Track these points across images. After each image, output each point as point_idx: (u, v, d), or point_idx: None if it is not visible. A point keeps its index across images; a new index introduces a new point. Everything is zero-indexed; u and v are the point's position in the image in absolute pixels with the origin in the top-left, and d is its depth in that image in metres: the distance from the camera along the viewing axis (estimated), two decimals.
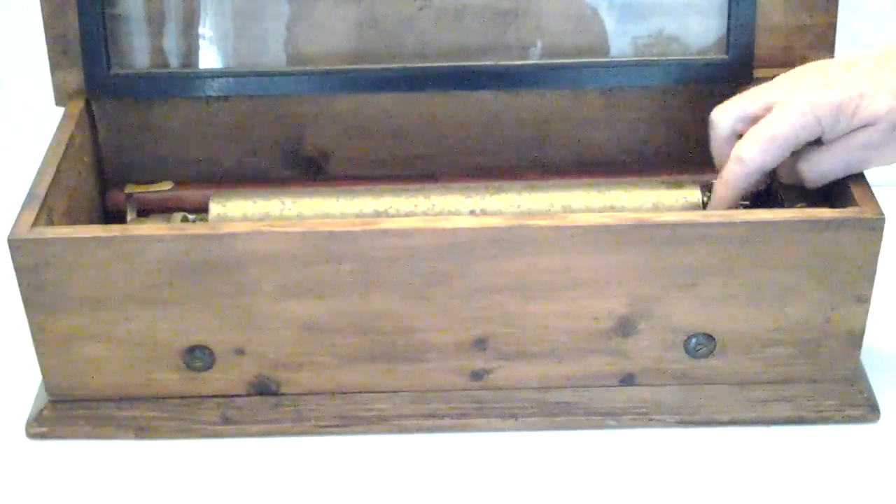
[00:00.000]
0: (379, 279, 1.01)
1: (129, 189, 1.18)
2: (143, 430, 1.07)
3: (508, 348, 1.05)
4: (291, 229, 0.99)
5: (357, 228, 0.99)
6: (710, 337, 1.04)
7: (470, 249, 1.00)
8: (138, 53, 1.17)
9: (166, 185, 1.19)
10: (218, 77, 1.17)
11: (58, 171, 1.07)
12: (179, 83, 1.17)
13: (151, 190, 1.18)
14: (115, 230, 1.00)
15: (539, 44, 1.17)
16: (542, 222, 0.99)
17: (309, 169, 1.22)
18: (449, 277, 1.01)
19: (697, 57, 1.17)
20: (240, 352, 1.04)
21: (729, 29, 1.15)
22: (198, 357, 1.04)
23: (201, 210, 1.17)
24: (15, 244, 0.99)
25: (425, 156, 1.21)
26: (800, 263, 1.00)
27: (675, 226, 0.99)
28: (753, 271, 1.01)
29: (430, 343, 1.04)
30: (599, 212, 1.12)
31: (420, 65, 1.16)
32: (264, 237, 0.99)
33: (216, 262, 1.00)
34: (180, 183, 1.20)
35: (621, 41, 1.17)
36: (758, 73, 1.17)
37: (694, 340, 1.04)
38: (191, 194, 1.20)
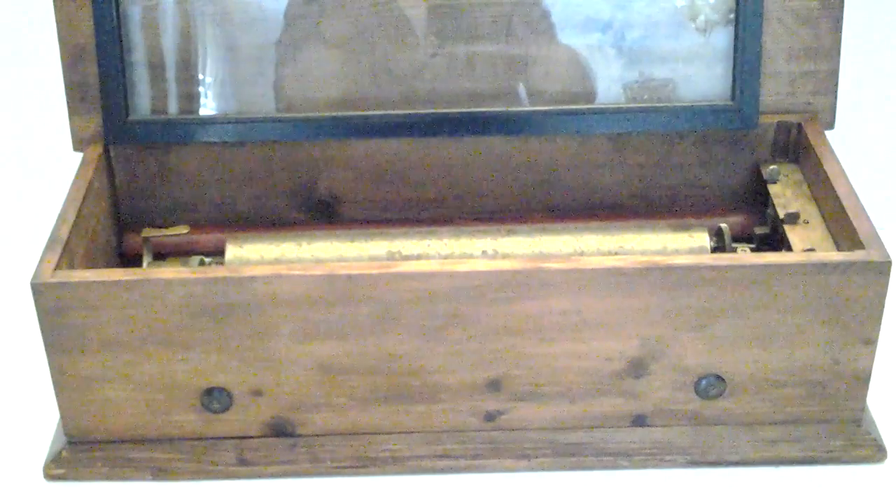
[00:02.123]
0: (395, 321, 1.03)
1: (146, 233, 1.20)
2: (160, 472, 1.08)
3: (522, 389, 1.06)
4: (311, 272, 1.01)
5: (375, 271, 1.01)
6: (720, 378, 1.06)
7: (485, 292, 1.01)
8: (155, 100, 1.19)
9: (183, 229, 1.20)
10: (233, 123, 1.19)
11: (78, 215, 1.09)
12: (196, 129, 1.19)
13: (168, 234, 1.20)
14: (136, 273, 1.01)
15: (549, 90, 1.20)
16: (556, 265, 1.01)
17: (322, 212, 1.24)
18: (464, 319, 1.03)
19: (704, 103, 1.19)
20: (257, 393, 1.06)
21: (735, 75, 1.18)
22: (216, 399, 1.06)
23: (217, 253, 1.19)
24: (38, 288, 1.00)
25: (437, 200, 1.23)
26: (808, 306, 1.02)
27: (685, 269, 1.01)
28: (762, 313, 1.03)
29: (444, 384, 1.06)
30: (609, 255, 1.14)
31: (432, 111, 1.19)
32: (284, 280, 1.01)
33: (235, 305, 1.01)
34: (196, 227, 1.22)
35: (628, 87, 1.20)
36: (763, 119, 1.20)
37: (704, 382, 1.06)
38: (206, 238, 1.22)
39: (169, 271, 1.01)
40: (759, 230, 1.19)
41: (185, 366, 1.04)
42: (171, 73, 1.19)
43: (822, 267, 1.01)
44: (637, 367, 1.05)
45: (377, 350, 1.04)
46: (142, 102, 1.19)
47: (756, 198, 1.22)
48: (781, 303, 1.02)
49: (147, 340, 1.03)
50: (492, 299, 1.02)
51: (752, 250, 1.18)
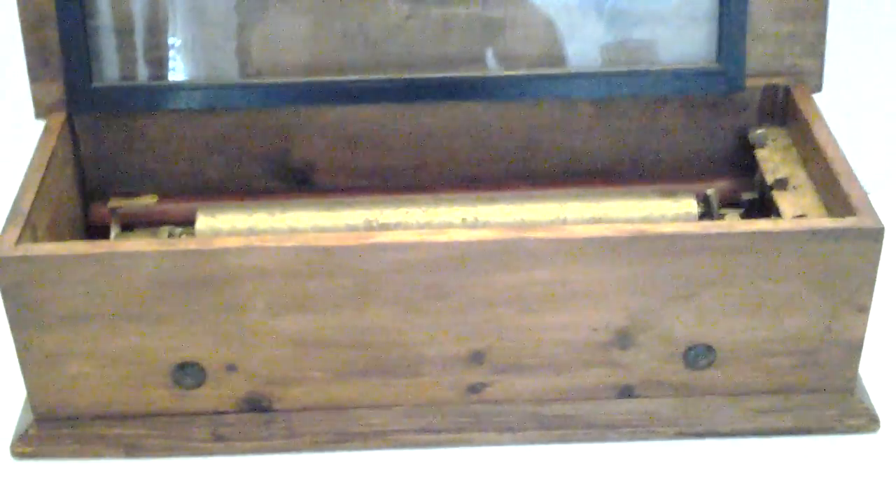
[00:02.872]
0: (374, 293, 0.99)
1: (113, 203, 1.16)
2: (132, 449, 1.04)
3: (505, 362, 1.03)
4: (284, 244, 0.97)
5: (352, 243, 0.97)
6: (709, 348, 1.03)
7: (466, 262, 0.98)
8: (120, 65, 1.15)
9: (151, 199, 1.16)
10: (202, 89, 1.14)
11: (41, 185, 1.05)
12: (163, 95, 1.14)
13: (136, 203, 1.16)
14: (101, 246, 0.97)
15: (526, 53, 1.16)
16: (540, 235, 0.98)
17: (295, 180, 1.20)
18: (445, 291, 0.99)
19: (689, 66, 1.16)
20: (231, 368, 1.02)
21: (721, 37, 1.14)
22: (188, 374, 1.02)
23: (187, 223, 1.15)
24: (0, 262, 0.96)
25: (414, 167, 1.19)
26: (799, 274, 0.99)
27: (672, 237, 0.98)
28: (752, 282, 1.00)
29: (425, 357, 1.02)
30: (594, 223, 1.11)
31: (407, 76, 1.15)
32: (256, 252, 0.97)
33: (207, 278, 0.98)
34: (165, 196, 1.18)
35: (611, 49, 1.16)
36: (749, 81, 1.17)
37: (693, 352, 1.03)
38: (176, 207, 1.17)
39: (136, 244, 0.97)
40: (746, 196, 1.16)
41: (155, 341, 1.00)
42: (136, 38, 1.14)
43: (814, 234, 0.98)
44: (624, 338, 1.02)
45: (355, 323, 1.00)
46: (106, 68, 1.15)
47: (743, 162, 1.19)
48: (772, 271, 0.99)
49: (115, 315, 0.99)
50: (473, 270, 0.98)
51: (741, 216, 1.15)
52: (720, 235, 0.98)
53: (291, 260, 0.97)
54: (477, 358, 1.03)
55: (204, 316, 0.99)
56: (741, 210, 1.16)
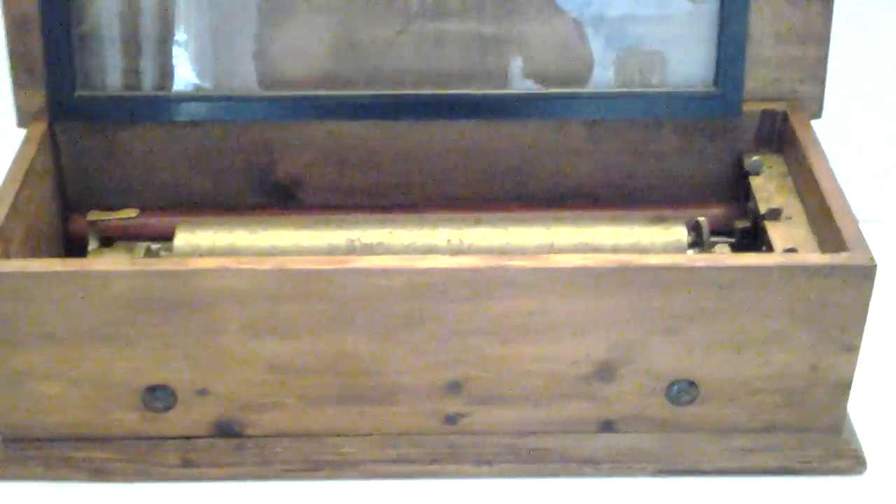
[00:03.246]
0: (350, 319, 0.96)
1: (92, 216, 1.13)
2: (98, 473, 1.02)
3: (484, 392, 1.00)
4: (260, 266, 0.95)
5: (329, 266, 0.95)
6: (692, 384, 1.00)
7: (446, 290, 0.95)
8: (105, 75, 1.12)
9: (131, 213, 1.14)
10: (187, 101, 1.12)
11: (16, 199, 1.03)
12: (147, 107, 1.12)
13: (115, 217, 1.13)
14: (74, 264, 0.95)
15: (521, 71, 1.13)
16: (521, 263, 0.95)
17: (280, 197, 1.17)
18: (423, 318, 0.97)
19: (685, 89, 1.13)
20: (203, 392, 1.00)
21: (719, 60, 1.12)
22: (158, 397, 1.00)
23: (167, 238, 1.12)
24: None
25: (402, 185, 1.17)
26: (787, 310, 0.96)
27: (658, 269, 0.95)
28: (738, 317, 0.97)
29: (401, 385, 1.00)
30: (581, 251, 1.08)
31: (397, 92, 1.12)
32: (231, 274, 0.94)
33: (180, 300, 0.95)
34: (146, 209, 1.16)
35: (607, 70, 1.13)
36: (746, 106, 1.14)
37: (676, 387, 1.00)
38: (156, 222, 1.15)
39: (108, 263, 0.95)
40: (739, 224, 1.13)
41: (125, 363, 0.98)
42: (120, 47, 1.12)
43: (804, 270, 0.95)
44: (605, 371, 0.99)
45: (331, 349, 0.98)
46: (89, 77, 1.13)
47: (737, 189, 1.16)
48: (759, 306, 0.96)
49: (85, 335, 0.97)
50: (453, 298, 0.96)
51: (732, 245, 1.12)
52: (706, 269, 0.95)
53: (267, 283, 0.95)
54: (454, 388, 1.00)
55: (176, 338, 0.97)
56: (732, 240, 1.13)
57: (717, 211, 1.16)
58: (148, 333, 0.97)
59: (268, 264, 0.95)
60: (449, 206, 1.16)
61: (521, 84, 1.13)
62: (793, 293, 0.95)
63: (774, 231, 1.06)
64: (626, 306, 0.96)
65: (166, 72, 1.13)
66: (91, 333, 0.96)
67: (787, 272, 0.95)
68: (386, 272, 0.95)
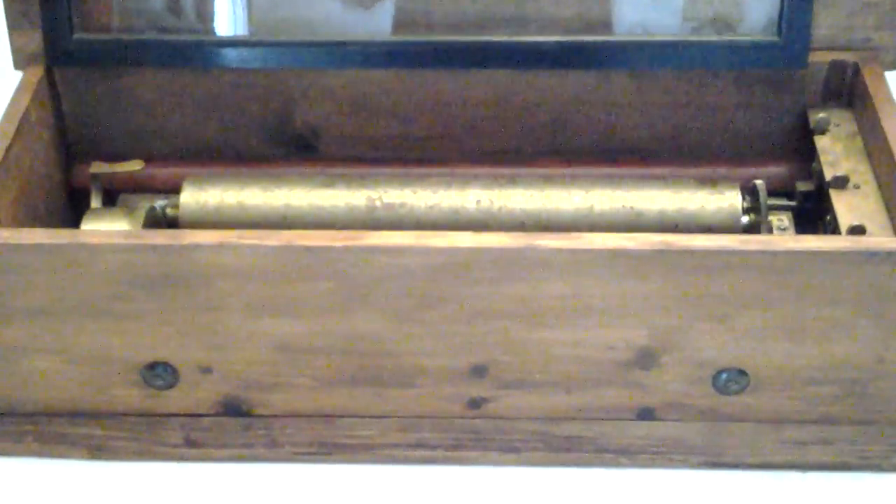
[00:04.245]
0: (363, 299, 0.88)
1: (95, 168, 1.05)
2: (97, 450, 0.95)
3: (510, 377, 0.92)
4: (264, 242, 0.86)
5: (338, 244, 0.86)
6: (742, 373, 0.91)
7: (468, 270, 0.86)
8: (106, 15, 1.03)
9: (136, 165, 1.05)
10: (196, 45, 1.02)
11: (6, 154, 0.95)
12: (152, 50, 1.03)
13: (119, 170, 1.05)
14: (62, 236, 0.87)
15: (563, 17, 1.02)
16: (552, 243, 0.85)
17: (297, 148, 1.08)
18: (443, 300, 0.88)
19: (744, 37, 1.01)
20: (206, 370, 0.92)
21: (783, 6, 1.00)
22: (159, 375, 0.92)
23: (175, 191, 1.04)
24: None
25: (429, 138, 1.07)
26: (850, 298, 0.86)
27: (706, 253, 0.85)
28: (796, 304, 0.87)
29: (421, 368, 0.92)
30: (623, 215, 0.99)
31: (425, 38, 1.02)
32: (232, 250, 0.86)
33: (178, 275, 0.87)
34: (153, 159, 1.07)
35: (656, 15, 1.02)
36: (813, 56, 1.02)
37: (724, 376, 0.91)
38: (164, 173, 1.07)
39: (100, 235, 0.87)
40: (801, 186, 1.02)
41: (122, 339, 0.90)
42: None
43: (871, 256, 0.85)
44: (645, 358, 0.90)
45: (342, 329, 0.89)
46: (91, 18, 1.03)
47: (801, 147, 1.05)
48: (820, 294, 0.86)
49: (78, 310, 0.89)
50: (475, 279, 0.87)
51: (791, 211, 1.02)
52: (761, 253, 0.85)
53: (271, 260, 0.86)
54: (478, 371, 0.92)
55: (175, 315, 0.89)
56: (793, 203, 1.02)
57: (777, 170, 1.05)
58: (144, 309, 0.89)
59: (272, 239, 0.86)
60: (480, 162, 1.06)
61: (559, 30, 1.02)
62: (858, 280, 0.85)
63: (840, 202, 0.95)
64: (670, 291, 0.87)
65: (171, 13, 1.03)
66: (84, 308, 0.89)
67: (853, 258, 0.85)
68: (401, 250, 0.86)
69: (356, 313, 0.89)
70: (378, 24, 1.03)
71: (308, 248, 0.86)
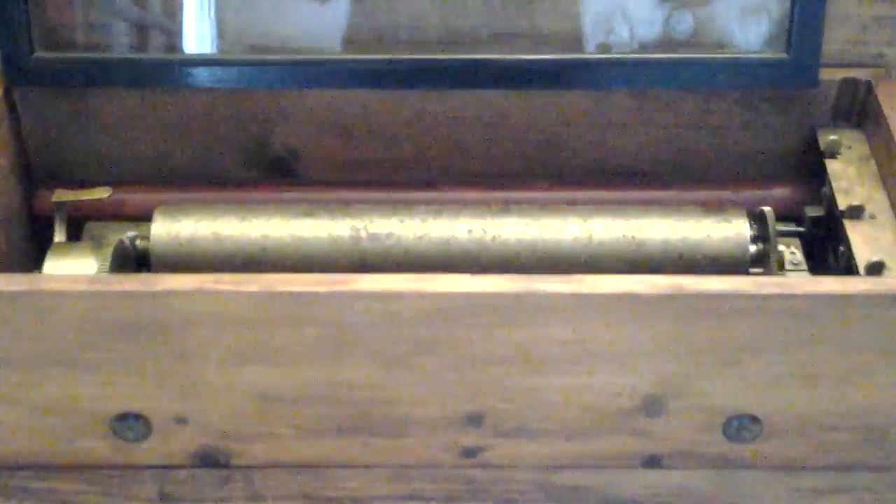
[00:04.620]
0: (350, 346, 0.82)
1: (58, 196, 0.98)
2: None
3: (508, 424, 0.86)
4: (243, 288, 0.80)
5: (323, 289, 0.80)
6: (755, 419, 0.85)
7: (464, 316, 0.80)
8: (68, 32, 0.96)
9: (103, 193, 0.98)
10: (166, 65, 0.96)
11: None
12: (119, 69, 0.96)
13: (85, 198, 0.98)
14: (23, 282, 0.80)
15: (558, 33, 0.96)
16: (554, 287, 0.79)
17: (276, 171, 1.01)
18: (436, 346, 0.82)
19: (751, 55, 0.95)
20: (181, 421, 0.86)
21: (792, 21, 0.94)
22: (129, 427, 0.86)
23: (146, 218, 0.97)
24: None
25: (415, 160, 1.01)
26: (871, 341, 0.81)
27: (719, 297, 0.79)
28: (813, 349, 0.82)
29: (412, 417, 0.86)
30: (624, 245, 0.93)
31: (412, 56, 0.95)
32: (209, 297, 0.80)
33: (150, 323, 0.81)
34: (122, 184, 1.00)
35: (657, 32, 0.96)
36: (824, 73, 0.96)
37: (736, 423, 0.86)
38: (135, 199, 1.00)
39: (63, 280, 0.80)
40: (811, 212, 0.97)
41: (89, 389, 0.84)
42: (90, 2, 0.96)
43: (894, 300, 0.79)
44: (652, 405, 0.85)
45: (328, 377, 0.83)
46: (52, 35, 0.96)
47: (808, 169, 1.00)
48: (839, 337, 0.81)
49: (41, 358, 0.82)
50: (471, 325, 0.81)
51: (801, 237, 0.96)
52: (778, 297, 0.79)
53: (251, 307, 0.80)
54: (474, 419, 0.86)
55: (147, 364, 0.83)
56: (802, 229, 0.97)
57: (783, 192, 1.00)
58: (113, 358, 0.82)
59: (252, 285, 0.80)
60: (469, 185, 1.00)
61: (555, 47, 0.96)
62: (879, 325, 0.80)
63: (855, 233, 0.90)
64: (680, 336, 0.81)
65: (141, 30, 0.96)
66: (47, 357, 0.82)
67: (875, 302, 0.79)
68: (392, 296, 0.79)
69: (343, 361, 0.83)
70: (362, 39, 0.96)
71: (291, 295, 0.80)
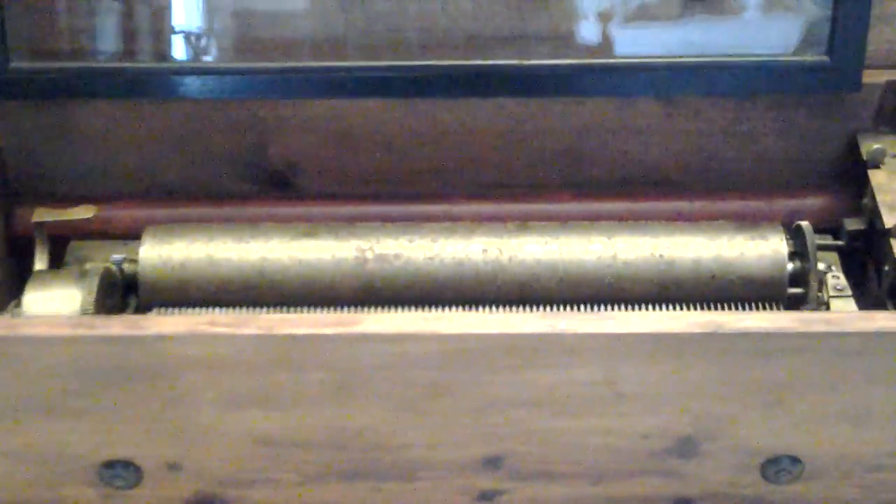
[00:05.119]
0: (358, 389, 0.75)
1: (39, 216, 0.91)
2: None
3: (530, 467, 0.79)
4: (240, 331, 0.72)
5: (329, 331, 0.73)
6: (796, 460, 0.79)
7: (483, 358, 0.74)
8: (48, 41, 0.89)
9: (87, 212, 0.91)
10: (156, 74, 0.88)
11: None
12: (103, 80, 0.89)
13: (67, 219, 0.91)
14: None
15: (579, 36, 0.89)
16: (581, 326, 0.72)
17: (273, 185, 0.94)
18: (452, 390, 0.75)
19: (789, 58, 0.88)
20: (175, 467, 0.79)
21: (834, 22, 0.86)
22: (119, 475, 0.79)
23: (133, 236, 0.91)
24: None
25: (425, 172, 0.94)
26: None
27: (762, 336, 0.72)
28: (863, 388, 0.75)
29: (425, 460, 0.79)
30: (652, 264, 0.86)
31: (420, 62, 0.88)
32: (202, 340, 0.73)
33: (139, 369, 0.74)
34: (109, 200, 0.93)
35: (685, 35, 0.89)
36: (866, 76, 0.89)
37: (776, 464, 0.79)
38: (120, 216, 0.93)
39: (43, 323, 0.73)
40: (850, 225, 0.90)
41: (75, 437, 0.77)
42: (68, 9, 0.88)
43: None
44: (685, 447, 0.78)
45: (334, 422, 0.77)
46: (32, 43, 0.89)
47: (849, 177, 0.92)
48: (888, 376, 0.74)
49: (21, 406, 0.75)
50: (491, 368, 0.74)
51: (839, 250, 0.89)
52: (827, 335, 0.73)
53: (249, 351, 0.73)
54: (492, 463, 0.79)
55: (136, 410, 0.76)
56: (840, 243, 0.90)
57: (819, 202, 0.93)
58: (100, 405, 0.75)
59: (250, 327, 0.73)
60: (483, 197, 0.93)
61: (575, 51, 0.88)
62: None
63: None
64: (717, 376, 0.74)
65: (126, 38, 0.89)
66: (28, 403, 0.75)
67: None
68: (403, 338, 0.73)
69: (350, 404, 0.76)
70: (367, 44, 0.89)
71: (293, 338, 0.73)
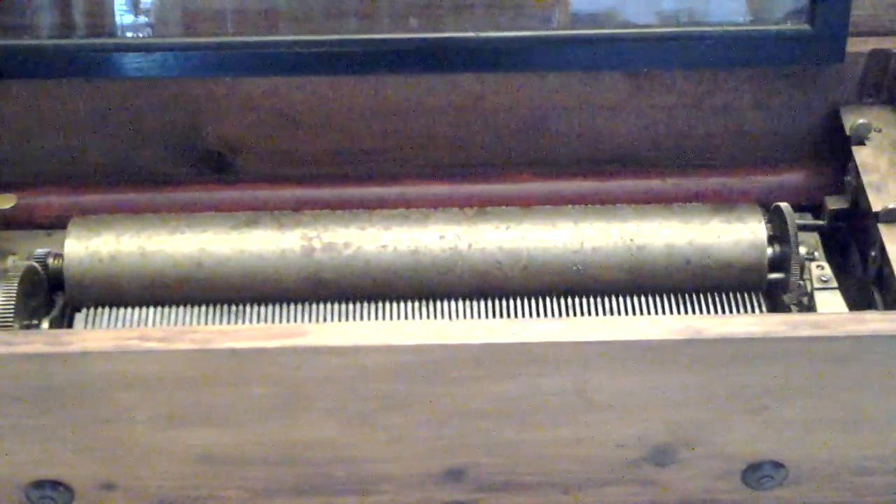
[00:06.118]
0: (307, 403, 0.69)
1: None
2: None
3: (495, 478, 0.74)
4: (174, 346, 0.66)
5: (273, 344, 0.66)
6: (779, 465, 0.74)
7: (442, 369, 0.67)
8: None
9: (7, 202, 0.83)
10: (80, 51, 0.81)
11: None
12: (18, 59, 0.80)
13: None
14: None
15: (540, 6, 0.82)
16: (547, 335, 0.66)
17: (210, 168, 0.87)
18: (409, 402, 0.69)
19: (766, 27, 0.82)
20: (108, 487, 0.73)
21: None
22: (48, 496, 0.73)
23: (59, 225, 0.83)
24: None
25: (374, 152, 0.87)
26: None
27: (745, 341, 0.67)
28: (853, 392, 0.70)
29: (382, 473, 0.73)
30: (622, 251, 0.80)
31: (368, 36, 0.81)
32: (133, 358, 0.66)
33: (64, 387, 0.67)
34: (32, 186, 0.86)
35: (657, 2, 0.82)
36: (850, 45, 0.83)
37: (758, 469, 0.74)
38: (44, 203, 0.86)
39: None
40: (832, 204, 0.84)
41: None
42: None
43: None
44: (661, 455, 0.73)
45: (281, 437, 0.70)
46: None
47: (830, 152, 0.87)
48: (882, 378, 0.69)
49: None
50: (452, 379, 0.68)
51: (820, 230, 0.83)
52: (815, 340, 0.67)
53: (185, 367, 0.67)
54: (454, 475, 0.73)
55: (65, 429, 0.69)
56: (822, 223, 0.84)
57: (798, 178, 0.87)
58: (24, 425, 0.69)
59: (185, 341, 0.66)
60: (437, 178, 0.86)
61: (534, 24, 0.81)
62: None
63: (892, 241, 0.77)
64: (695, 384, 0.69)
65: (48, 11, 0.81)
66: None
67: None
68: (355, 350, 0.66)
69: (298, 419, 0.70)
70: (309, 17, 0.81)
71: (233, 352, 0.66)
